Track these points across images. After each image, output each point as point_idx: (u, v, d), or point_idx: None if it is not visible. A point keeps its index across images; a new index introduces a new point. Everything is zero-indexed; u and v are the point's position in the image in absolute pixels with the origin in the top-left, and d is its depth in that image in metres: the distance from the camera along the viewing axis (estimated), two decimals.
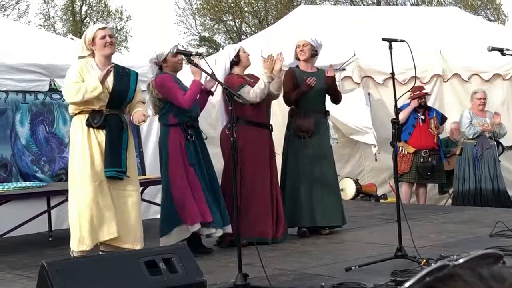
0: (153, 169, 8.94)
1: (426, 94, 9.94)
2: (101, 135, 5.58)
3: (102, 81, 5.47)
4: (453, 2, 31.09)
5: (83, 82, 5.52)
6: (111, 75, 5.65)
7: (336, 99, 7.50)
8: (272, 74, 6.64)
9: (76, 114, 5.67)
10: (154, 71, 6.53)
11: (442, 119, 10.11)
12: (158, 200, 8.90)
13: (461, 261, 1.00)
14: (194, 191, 6.24)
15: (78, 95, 5.48)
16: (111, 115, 5.60)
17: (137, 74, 5.90)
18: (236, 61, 6.95)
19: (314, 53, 7.37)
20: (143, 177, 7.99)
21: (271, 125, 7.08)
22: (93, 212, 5.46)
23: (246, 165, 6.57)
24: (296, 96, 7.18)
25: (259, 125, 6.74)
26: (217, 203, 6.39)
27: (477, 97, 9.84)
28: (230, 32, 33.93)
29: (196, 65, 5.76)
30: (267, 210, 6.66)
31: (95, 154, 5.54)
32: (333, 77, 7.30)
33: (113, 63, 5.73)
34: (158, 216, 8.80)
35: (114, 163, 5.55)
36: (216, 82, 6.22)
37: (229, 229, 6.40)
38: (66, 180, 7.96)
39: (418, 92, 9.58)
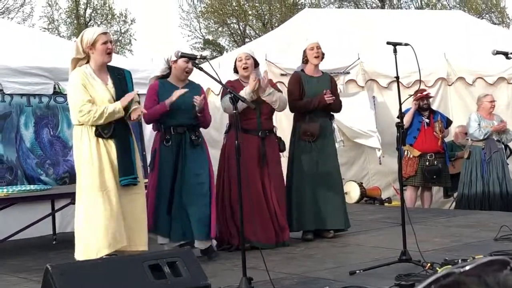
0: None
1: (428, 95, 9.91)
2: (110, 144, 5.52)
3: (124, 106, 5.46)
4: (458, 6, 31.07)
5: (98, 105, 5.44)
6: (109, 79, 5.60)
7: (337, 111, 7.49)
8: (252, 94, 6.58)
9: (80, 124, 5.56)
10: (161, 70, 6.55)
11: (447, 122, 10.10)
12: None
13: (467, 268, 0.99)
14: (149, 198, 6.27)
15: (99, 120, 5.42)
16: (117, 123, 5.55)
17: (130, 73, 5.84)
18: (236, 70, 6.99)
19: (322, 56, 7.36)
20: (146, 180, 7.98)
21: (274, 128, 7.08)
22: (99, 224, 5.41)
23: (232, 171, 6.60)
24: (307, 108, 7.15)
25: (247, 132, 6.70)
26: (181, 214, 6.33)
27: (488, 100, 9.82)
28: (234, 35, 33.94)
29: (200, 69, 5.75)
30: (255, 215, 6.60)
31: (104, 164, 5.48)
32: (334, 101, 7.23)
33: (109, 66, 5.68)
34: None
35: (128, 171, 5.52)
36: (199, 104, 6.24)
37: (199, 243, 6.35)
38: (70, 183, 8.00)
39: (419, 94, 9.57)
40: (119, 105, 5.46)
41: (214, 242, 6.52)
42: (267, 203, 6.79)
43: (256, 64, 6.98)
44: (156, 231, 6.31)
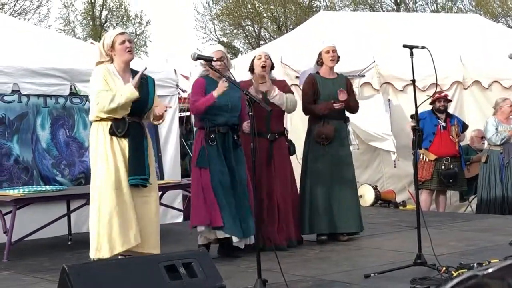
0: (172, 174, 8.98)
1: (446, 96, 9.84)
2: (124, 143, 5.57)
3: (136, 87, 5.48)
4: (474, 9, 30.97)
5: (114, 90, 5.50)
6: (131, 81, 5.66)
7: (353, 111, 7.49)
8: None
9: (96, 120, 5.64)
10: (199, 73, 6.61)
11: (463, 127, 10.05)
12: (176, 204, 8.95)
13: (490, 270, 1.00)
14: (206, 194, 6.30)
15: (114, 103, 5.45)
16: (133, 123, 5.59)
17: (153, 80, 5.90)
18: (252, 68, 7.01)
19: (338, 59, 7.36)
20: (162, 181, 8.01)
21: (286, 130, 7.10)
22: (112, 221, 5.45)
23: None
24: (319, 112, 7.15)
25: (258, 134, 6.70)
26: (239, 210, 6.38)
27: (507, 104, 9.78)
28: (249, 37, 33.96)
29: (216, 70, 5.77)
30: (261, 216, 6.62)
31: (118, 162, 5.52)
32: (346, 100, 7.22)
33: (131, 69, 5.73)
34: (176, 220, 8.88)
35: (138, 171, 5.55)
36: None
37: (249, 240, 6.42)
38: (85, 184, 8.04)
39: (437, 95, 9.54)
40: (130, 85, 5.49)
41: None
42: (273, 206, 6.80)
43: (272, 67, 7.01)
44: (224, 229, 6.30)
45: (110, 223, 5.45)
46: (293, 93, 7.14)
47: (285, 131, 7.14)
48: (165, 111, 5.71)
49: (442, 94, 9.79)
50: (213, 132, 6.38)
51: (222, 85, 6.20)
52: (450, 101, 10.16)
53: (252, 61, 7.02)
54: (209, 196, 6.30)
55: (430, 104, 9.71)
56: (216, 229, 6.29)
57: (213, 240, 6.44)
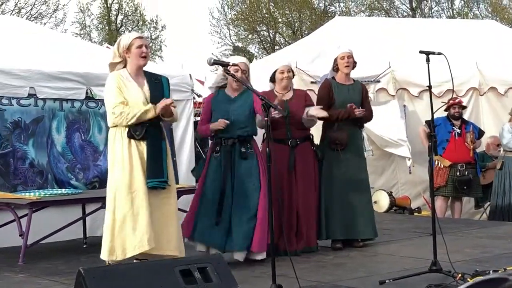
0: (186, 178, 8.98)
1: (460, 102, 9.79)
2: (142, 146, 5.59)
3: (158, 112, 5.54)
4: (490, 15, 30.86)
5: (131, 106, 5.53)
6: (146, 83, 5.67)
7: (367, 121, 7.49)
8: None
9: (114, 125, 5.65)
10: (216, 82, 6.70)
11: (479, 133, 10.01)
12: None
13: None
14: (200, 205, 6.42)
15: (132, 120, 5.50)
16: (150, 126, 5.61)
17: (167, 79, 5.91)
18: (272, 79, 7.09)
19: (354, 65, 7.35)
20: (177, 186, 8.01)
21: (311, 135, 7.12)
22: (126, 224, 5.46)
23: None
24: (333, 119, 7.15)
25: (278, 142, 6.71)
26: (228, 223, 6.36)
27: None
28: (264, 42, 33.98)
29: (233, 76, 5.77)
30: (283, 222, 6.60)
31: (135, 165, 5.54)
32: (362, 115, 7.22)
33: (145, 71, 5.74)
34: None
35: (157, 174, 5.56)
36: None
37: (236, 254, 6.37)
38: (99, 188, 8.07)
39: (451, 101, 9.51)
40: (150, 106, 5.53)
41: (263, 256, 6.38)
42: (291, 214, 6.79)
43: (292, 75, 7.16)
44: (193, 238, 6.37)
45: (123, 226, 5.47)
46: (313, 104, 7.13)
47: (311, 136, 7.13)
48: (169, 104, 5.63)
49: (457, 101, 9.75)
50: (219, 144, 6.49)
51: (221, 124, 6.37)
52: (465, 107, 10.12)
53: (275, 72, 7.05)
54: (192, 208, 6.47)
55: (445, 110, 9.68)
56: (187, 238, 6.32)
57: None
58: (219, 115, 6.49)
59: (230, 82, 6.53)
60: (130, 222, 5.47)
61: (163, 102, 5.56)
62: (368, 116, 7.41)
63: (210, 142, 6.75)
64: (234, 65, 6.15)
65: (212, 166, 6.48)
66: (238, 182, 6.41)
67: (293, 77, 7.20)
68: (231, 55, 32.68)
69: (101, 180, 8.29)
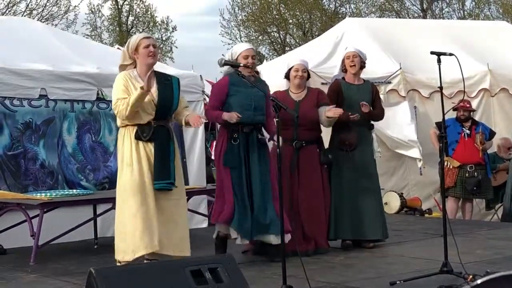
0: (196, 179, 8.99)
1: (464, 106, 9.71)
2: (149, 147, 5.62)
3: (147, 89, 5.49)
4: (501, 16, 30.75)
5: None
6: (155, 84, 5.68)
7: (378, 119, 7.49)
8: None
9: (123, 126, 5.69)
10: (227, 70, 6.51)
11: (490, 134, 9.98)
12: (201, 210, 8.96)
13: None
14: (226, 192, 6.33)
15: (128, 109, 5.52)
16: (158, 127, 5.63)
17: (178, 80, 5.91)
18: (287, 77, 7.05)
19: (362, 65, 7.34)
20: (187, 187, 8.01)
21: (320, 139, 7.10)
22: (136, 225, 5.49)
23: None
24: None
25: (283, 141, 6.69)
26: (251, 211, 6.36)
27: None
28: (274, 43, 33.98)
29: (243, 77, 5.78)
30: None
31: (143, 167, 5.57)
32: (369, 112, 7.22)
33: (153, 70, 5.74)
34: (201, 225, 8.89)
35: (164, 175, 5.58)
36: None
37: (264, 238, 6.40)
38: (109, 188, 8.09)
39: (460, 104, 9.46)
40: (139, 90, 5.50)
41: (289, 236, 6.39)
42: (294, 215, 6.77)
43: (308, 76, 7.08)
44: (232, 225, 6.31)
45: (134, 227, 5.49)
46: (326, 100, 7.11)
47: (319, 140, 7.12)
48: (201, 123, 5.77)
49: (461, 105, 9.65)
50: (236, 131, 6.37)
51: (234, 116, 6.20)
52: (473, 111, 10.02)
53: (290, 69, 7.03)
54: (228, 194, 6.32)
55: (454, 110, 9.65)
56: (226, 224, 6.31)
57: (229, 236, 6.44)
58: (241, 99, 6.35)
59: (243, 69, 6.26)
60: (140, 222, 5.49)
61: (146, 76, 5.52)
62: (380, 115, 7.42)
63: (221, 129, 6.57)
64: (245, 66, 6.14)
65: (233, 154, 6.35)
66: (257, 170, 6.39)
67: (308, 79, 7.12)
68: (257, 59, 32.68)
69: (111, 181, 8.30)
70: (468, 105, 9.71)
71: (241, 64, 5.85)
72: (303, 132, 6.89)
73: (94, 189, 8.17)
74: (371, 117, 7.33)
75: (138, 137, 5.61)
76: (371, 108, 7.22)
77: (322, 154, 7.03)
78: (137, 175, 5.56)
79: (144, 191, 5.54)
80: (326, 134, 7.37)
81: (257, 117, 6.43)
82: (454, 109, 9.60)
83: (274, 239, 6.31)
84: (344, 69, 7.36)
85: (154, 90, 5.67)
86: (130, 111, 5.52)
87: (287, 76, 7.08)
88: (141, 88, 5.47)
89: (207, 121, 7.10)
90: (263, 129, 6.55)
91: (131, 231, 5.51)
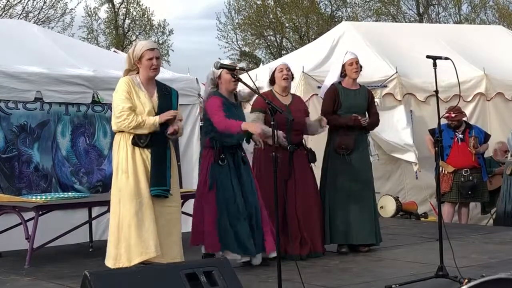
0: (191, 183, 8.97)
1: (450, 117, 9.65)
2: (146, 153, 5.60)
3: (161, 122, 5.53)
4: (497, 21, 30.81)
5: (137, 114, 5.54)
6: (155, 93, 5.68)
7: (374, 127, 7.49)
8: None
9: (119, 131, 5.67)
10: (207, 89, 6.50)
11: (485, 136, 9.98)
12: None
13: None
14: (207, 214, 6.26)
15: (135, 129, 5.52)
16: (155, 134, 5.61)
17: (177, 93, 5.92)
18: (272, 80, 7.03)
19: (360, 69, 7.35)
20: (181, 190, 8.00)
21: (304, 141, 7.10)
22: (131, 232, 5.46)
23: (261, 183, 6.63)
24: (335, 124, 7.17)
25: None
26: (246, 228, 6.32)
27: None
28: (270, 47, 33.99)
29: (239, 80, 5.77)
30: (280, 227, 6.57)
31: (139, 173, 5.55)
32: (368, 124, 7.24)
33: (156, 81, 5.72)
34: None
35: (160, 182, 5.57)
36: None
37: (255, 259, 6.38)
38: (103, 192, 8.07)
39: (447, 113, 9.42)
40: (157, 120, 5.55)
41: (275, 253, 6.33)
42: (292, 219, 6.77)
43: (292, 77, 7.08)
44: (227, 249, 6.23)
45: (129, 233, 5.47)
46: (308, 114, 7.17)
47: (303, 141, 7.13)
48: (175, 130, 5.65)
49: (452, 115, 9.61)
50: (223, 151, 6.34)
51: (259, 128, 6.02)
52: (458, 120, 9.87)
53: (273, 73, 7.02)
54: (212, 219, 6.24)
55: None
56: (220, 251, 6.24)
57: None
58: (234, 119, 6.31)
59: (226, 86, 6.37)
60: (136, 229, 5.47)
61: (168, 113, 5.56)
62: (375, 121, 7.42)
63: (204, 151, 6.46)
64: (241, 69, 6.12)
65: (223, 174, 6.32)
66: (246, 188, 6.38)
67: (292, 80, 7.09)
68: (238, 59, 32.72)
69: (105, 184, 8.30)
70: (453, 115, 9.62)
71: (237, 67, 5.83)
72: (294, 137, 6.90)
73: (88, 193, 8.14)
74: (368, 128, 7.35)
75: (135, 143, 5.59)
76: (366, 119, 7.20)
77: (308, 153, 7.03)
78: (133, 182, 5.53)
79: (140, 197, 5.52)
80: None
81: (239, 139, 6.43)
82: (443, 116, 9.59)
83: (258, 259, 6.35)
84: (344, 74, 7.34)
85: (155, 99, 5.68)
86: (135, 131, 5.52)
87: (271, 81, 7.05)
88: (159, 123, 5.54)
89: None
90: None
91: (126, 238, 5.49)
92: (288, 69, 6.98)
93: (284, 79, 6.92)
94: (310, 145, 7.32)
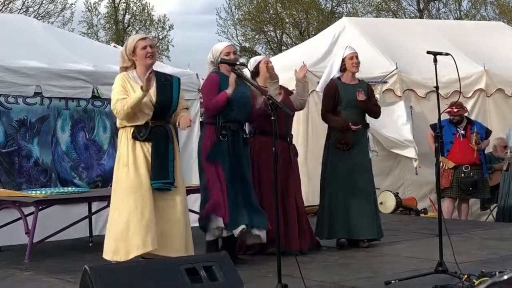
0: (191, 178, 8.96)
1: (452, 112, 9.66)
2: (147, 147, 5.58)
3: (146, 89, 5.47)
4: (497, 17, 30.79)
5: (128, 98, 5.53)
6: (154, 84, 5.65)
7: (375, 115, 7.47)
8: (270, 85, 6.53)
9: (122, 127, 5.67)
10: (210, 70, 6.50)
11: (487, 132, 9.98)
12: (195, 208, 8.94)
13: (505, 277, 0.98)
14: (222, 187, 6.24)
15: (126, 107, 5.49)
16: (156, 127, 5.59)
17: (179, 80, 5.88)
18: (255, 72, 6.97)
19: (359, 64, 7.35)
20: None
21: (291, 136, 7.09)
22: (130, 225, 5.44)
23: (261, 173, 6.70)
24: (333, 125, 7.18)
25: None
26: (245, 204, 6.34)
27: None
28: (271, 43, 33.97)
29: (240, 75, 5.77)
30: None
31: (140, 166, 5.53)
32: (365, 101, 7.21)
33: (152, 69, 5.69)
34: (195, 224, 8.87)
35: (161, 175, 5.55)
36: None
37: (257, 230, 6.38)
38: (103, 187, 8.07)
39: (449, 109, 9.42)
40: (138, 89, 5.48)
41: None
42: (291, 209, 6.78)
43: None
44: (230, 227, 6.23)
45: (127, 227, 5.46)
46: (290, 92, 7.19)
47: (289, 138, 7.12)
48: (189, 126, 5.69)
49: (455, 110, 9.62)
50: (225, 128, 6.31)
51: (232, 79, 6.12)
52: (461, 114, 9.90)
53: (257, 66, 6.98)
54: (222, 193, 6.22)
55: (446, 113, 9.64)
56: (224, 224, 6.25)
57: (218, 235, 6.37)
58: (234, 96, 6.26)
59: (225, 68, 6.34)
60: (134, 222, 5.45)
61: (148, 79, 5.49)
62: (377, 111, 7.41)
63: (206, 127, 6.42)
64: (241, 64, 6.11)
65: (223, 151, 6.30)
66: (243, 166, 6.38)
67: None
68: (238, 55, 32.66)
69: (104, 179, 8.30)
70: (455, 110, 9.64)
71: (238, 62, 5.83)
72: (291, 128, 6.94)
73: (87, 187, 8.15)
74: (367, 109, 7.30)
75: (135, 137, 5.58)
76: (359, 127, 7.20)
77: (295, 146, 7.12)
78: (133, 176, 5.52)
79: (140, 191, 5.50)
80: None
81: (243, 115, 6.42)
82: (446, 112, 9.59)
83: (263, 233, 6.34)
84: (343, 68, 7.33)
85: (152, 90, 5.62)
86: (129, 111, 5.50)
87: (255, 73, 6.98)
88: (141, 88, 5.45)
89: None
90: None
91: (124, 232, 5.48)
92: (270, 61, 6.97)
93: (268, 68, 6.82)
94: (310, 139, 7.33)
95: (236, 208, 6.24)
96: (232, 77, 6.11)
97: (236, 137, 6.38)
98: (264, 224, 6.34)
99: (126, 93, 5.55)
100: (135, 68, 5.71)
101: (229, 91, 6.15)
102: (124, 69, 5.74)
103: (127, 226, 5.46)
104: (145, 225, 5.45)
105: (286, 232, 6.59)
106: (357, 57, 7.31)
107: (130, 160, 5.54)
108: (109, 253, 5.53)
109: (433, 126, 9.66)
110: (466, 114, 9.97)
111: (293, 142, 7.16)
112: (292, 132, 7.20)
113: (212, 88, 6.32)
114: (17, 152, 7.91)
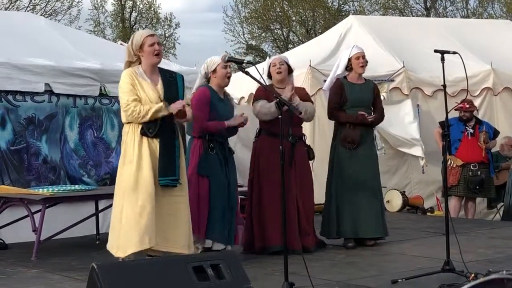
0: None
1: (464, 107, 9.66)
2: (155, 143, 5.58)
3: (173, 114, 5.54)
4: (504, 15, 30.71)
5: (143, 104, 5.52)
6: (160, 81, 5.66)
7: (378, 123, 7.48)
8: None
9: (128, 122, 5.66)
10: (200, 83, 6.58)
11: (494, 133, 9.97)
12: None
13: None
14: (200, 204, 6.29)
15: (144, 119, 5.50)
16: (164, 123, 5.60)
17: (182, 77, 5.89)
18: (269, 74, 7.06)
19: (366, 64, 7.34)
20: None
21: (304, 136, 7.11)
22: (130, 222, 5.45)
23: (260, 173, 6.78)
24: (343, 120, 7.18)
25: (277, 136, 6.67)
26: (229, 219, 6.43)
27: None
28: (277, 41, 33.95)
29: (247, 73, 5.77)
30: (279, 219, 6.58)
31: (144, 163, 5.52)
32: (374, 119, 7.22)
33: (160, 68, 5.72)
34: None
35: (169, 172, 5.55)
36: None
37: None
38: (111, 184, 8.07)
39: (460, 105, 9.41)
40: (162, 105, 5.51)
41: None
42: (290, 208, 6.77)
43: (290, 70, 7.05)
44: (212, 237, 6.31)
45: (128, 223, 5.46)
46: (312, 102, 7.21)
47: (304, 137, 7.13)
48: (184, 105, 5.64)
49: (460, 106, 9.61)
50: (212, 141, 6.39)
51: (240, 119, 6.37)
52: (473, 111, 9.91)
53: (269, 67, 7.05)
54: (203, 207, 6.29)
55: (456, 109, 9.63)
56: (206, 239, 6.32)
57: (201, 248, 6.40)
58: (222, 110, 6.44)
59: (218, 81, 6.47)
60: (134, 219, 5.44)
61: (178, 104, 5.55)
62: (380, 117, 7.41)
63: (194, 140, 6.48)
64: (249, 62, 6.13)
65: (213, 164, 6.37)
66: (231, 179, 6.48)
67: (290, 72, 7.07)
68: (244, 53, 32.71)
69: (113, 177, 8.27)
70: (467, 106, 9.64)
71: (245, 61, 5.83)
72: (295, 129, 6.92)
73: (96, 185, 8.18)
74: (374, 124, 7.35)
75: (144, 133, 5.56)
76: (373, 116, 7.19)
77: (308, 150, 7.06)
78: (137, 171, 5.51)
79: (144, 188, 5.49)
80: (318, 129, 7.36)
81: (232, 131, 6.60)
82: (456, 109, 9.58)
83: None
84: (350, 68, 7.32)
85: (160, 87, 5.64)
86: (145, 121, 5.52)
87: (269, 75, 7.04)
88: (164, 105, 5.51)
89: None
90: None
91: (124, 228, 5.48)
92: (282, 63, 6.97)
93: (277, 73, 6.93)
94: (317, 138, 7.33)
95: (222, 222, 6.34)
96: (241, 117, 6.46)
97: (222, 149, 6.49)
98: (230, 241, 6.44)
99: (135, 91, 5.55)
100: (140, 63, 5.71)
101: (229, 123, 6.38)
102: (129, 63, 5.73)
103: (127, 222, 5.46)
104: (144, 223, 5.43)
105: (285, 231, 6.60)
106: (363, 57, 7.28)
107: (135, 157, 5.53)
108: (113, 248, 5.57)
109: (442, 123, 9.63)
110: (475, 112, 9.95)
111: (307, 143, 7.16)
112: None
113: (206, 104, 6.40)
114: (26, 150, 7.94)
